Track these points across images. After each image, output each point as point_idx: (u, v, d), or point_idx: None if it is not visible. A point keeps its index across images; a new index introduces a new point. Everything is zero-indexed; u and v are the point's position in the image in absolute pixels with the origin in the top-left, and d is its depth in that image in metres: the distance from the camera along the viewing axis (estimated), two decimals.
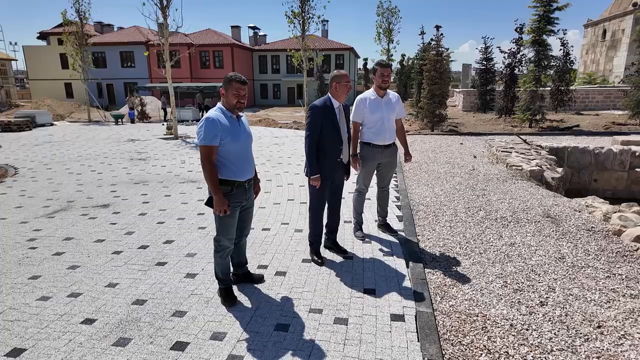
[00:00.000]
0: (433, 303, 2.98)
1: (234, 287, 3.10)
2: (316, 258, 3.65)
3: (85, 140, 13.19)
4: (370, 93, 3.94)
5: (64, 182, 7.02)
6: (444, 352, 2.43)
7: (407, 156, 4.22)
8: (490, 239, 4.24)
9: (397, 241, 4.15)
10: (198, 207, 5.39)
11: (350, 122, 3.90)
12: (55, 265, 3.60)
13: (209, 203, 2.74)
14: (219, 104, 2.79)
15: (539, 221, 4.76)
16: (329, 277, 3.35)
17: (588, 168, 10.04)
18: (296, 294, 3.07)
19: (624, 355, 2.42)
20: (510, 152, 8.70)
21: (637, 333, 2.64)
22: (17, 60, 40.90)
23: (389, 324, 2.69)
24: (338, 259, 3.76)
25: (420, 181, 6.77)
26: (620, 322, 2.75)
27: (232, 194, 2.77)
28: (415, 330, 2.61)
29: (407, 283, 3.26)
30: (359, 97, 3.97)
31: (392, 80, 4.03)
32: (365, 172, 4.08)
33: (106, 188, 6.53)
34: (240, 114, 2.90)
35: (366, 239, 4.19)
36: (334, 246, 3.88)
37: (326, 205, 3.68)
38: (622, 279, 3.37)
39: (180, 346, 2.44)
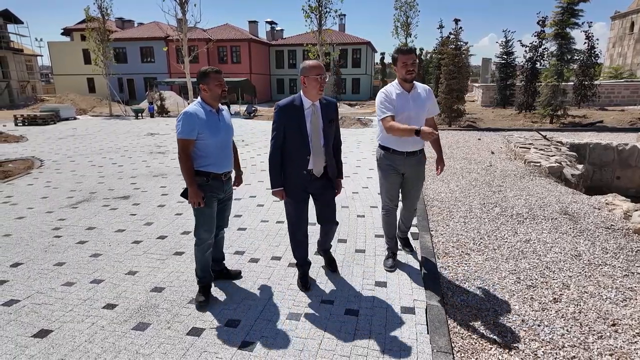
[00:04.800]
0: (444, 297, 2.99)
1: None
2: (300, 282, 3.11)
3: (106, 133, 13.56)
4: (393, 87, 3.14)
5: (86, 174, 7.27)
6: (453, 345, 2.45)
7: (440, 163, 3.38)
8: (504, 235, 4.20)
9: (410, 236, 4.16)
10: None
11: (379, 122, 3.18)
12: (78, 253, 3.76)
13: (184, 194, 2.76)
14: (199, 98, 2.79)
15: (556, 218, 4.69)
16: (341, 270, 3.40)
17: (611, 165, 9.77)
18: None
19: (637, 354, 2.39)
20: (529, 148, 8.54)
21: None
22: (42, 55, 42.09)
23: (400, 316, 2.73)
24: (351, 249, 3.81)
25: (435, 177, 6.73)
26: (636, 321, 2.71)
27: (208, 185, 2.78)
28: (425, 323, 2.64)
29: (418, 277, 3.28)
30: (381, 90, 3.21)
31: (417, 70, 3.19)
32: (387, 185, 3.33)
33: (126, 180, 6.73)
34: (222, 107, 2.88)
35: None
36: (324, 256, 3.43)
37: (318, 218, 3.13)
38: None
39: (196, 332, 2.54)
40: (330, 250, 3.47)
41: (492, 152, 9.04)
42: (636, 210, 4.78)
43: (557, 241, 4.03)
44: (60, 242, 4.03)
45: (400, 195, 3.46)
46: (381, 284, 3.15)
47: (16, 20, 35.48)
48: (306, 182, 2.84)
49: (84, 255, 3.72)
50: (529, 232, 4.28)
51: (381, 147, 3.29)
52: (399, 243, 3.76)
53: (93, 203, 5.43)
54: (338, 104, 3.04)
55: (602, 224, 4.50)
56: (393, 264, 3.47)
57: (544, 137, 10.33)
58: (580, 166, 7.66)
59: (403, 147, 3.18)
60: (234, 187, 3.13)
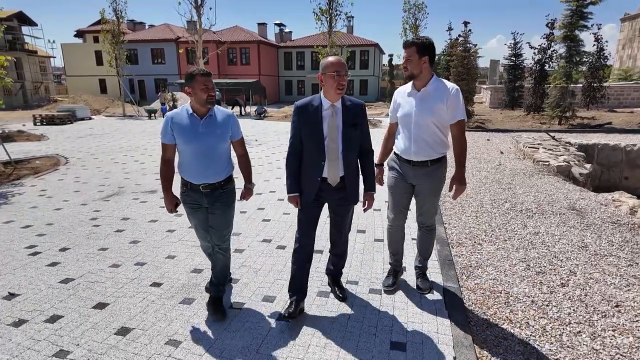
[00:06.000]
0: (459, 280, 3.25)
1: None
2: (289, 308, 2.65)
3: (122, 133, 13.95)
4: (408, 85, 2.83)
5: (111, 170, 7.62)
6: (469, 320, 2.71)
7: (455, 182, 2.79)
8: (514, 228, 4.44)
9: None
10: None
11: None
12: (118, 240, 4.08)
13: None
14: (188, 102, 2.61)
15: (563, 213, 4.91)
16: (362, 256, 3.68)
17: (619, 165, 9.92)
18: None
19: (638, 330, 2.62)
20: (538, 148, 8.74)
21: None
22: (55, 57, 42.96)
23: (419, 295, 2.99)
24: (370, 238, 4.07)
25: (447, 175, 6.96)
26: (638, 303, 2.94)
27: (186, 195, 2.67)
28: (443, 301, 2.90)
29: (435, 263, 3.53)
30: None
31: (427, 64, 2.65)
32: (391, 193, 3.00)
33: (151, 176, 7.06)
34: (220, 110, 2.67)
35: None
36: (333, 285, 3.02)
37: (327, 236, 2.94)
38: None
39: (237, 305, 2.84)
40: (343, 275, 3.09)
41: (501, 152, 9.24)
42: None
43: (565, 234, 4.26)
44: (99, 231, 4.35)
45: (414, 209, 3.03)
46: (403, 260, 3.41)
47: (30, 23, 36.25)
48: (321, 191, 2.60)
49: (124, 241, 4.03)
50: (537, 225, 4.51)
51: (394, 151, 2.99)
52: (412, 272, 3.31)
53: (123, 197, 5.75)
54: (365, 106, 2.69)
55: (608, 219, 4.72)
56: (393, 282, 3.08)
57: (553, 137, 10.51)
58: (588, 165, 7.85)
59: (406, 155, 2.80)
60: (243, 199, 2.88)
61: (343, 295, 2.92)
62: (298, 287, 2.71)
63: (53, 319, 2.68)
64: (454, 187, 2.78)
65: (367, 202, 2.70)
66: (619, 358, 2.36)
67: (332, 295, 3.00)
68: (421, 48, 2.60)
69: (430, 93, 2.67)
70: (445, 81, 2.73)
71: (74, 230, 4.36)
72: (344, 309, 2.82)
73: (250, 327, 2.60)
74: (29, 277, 3.27)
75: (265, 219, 4.73)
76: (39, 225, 4.54)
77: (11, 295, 2.96)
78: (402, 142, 2.82)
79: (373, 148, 2.76)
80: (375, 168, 2.90)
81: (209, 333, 2.54)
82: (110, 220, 4.71)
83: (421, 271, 3.16)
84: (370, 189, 2.70)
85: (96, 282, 3.19)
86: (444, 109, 2.65)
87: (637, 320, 2.74)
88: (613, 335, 2.57)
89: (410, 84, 2.78)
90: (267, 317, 2.71)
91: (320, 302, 2.89)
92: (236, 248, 3.81)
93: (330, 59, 2.46)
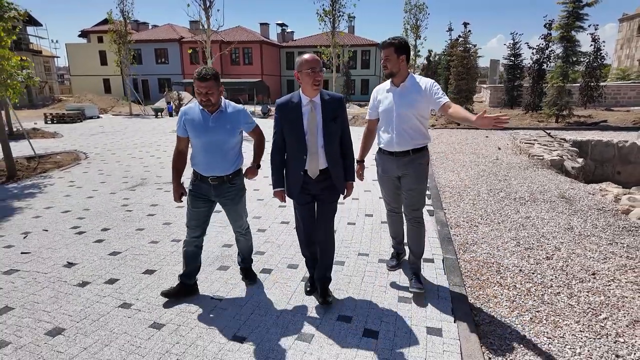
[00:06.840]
0: (457, 254, 3.71)
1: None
2: (306, 285, 3.02)
3: (133, 131, 14.43)
4: (386, 83, 3.01)
5: (131, 164, 8.09)
6: (464, 283, 3.17)
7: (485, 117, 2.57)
8: (508, 213, 4.89)
9: (426, 212, 4.86)
10: (253, 184, 6.26)
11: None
12: (152, 222, 4.54)
13: None
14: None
15: (554, 201, 5.36)
16: (371, 234, 4.14)
17: (611, 161, 10.38)
18: (346, 243, 3.89)
19: (609, 292, 3.08)
20: (533, 144, 9.20)
21: (625, 279, 3.29)
22: (59, 57, 43.46)
23: (422, 264, 3.45)
24: (377, 220, 4.53)
25: (446, 168, 7.43)
26: (612, 272, 3.40)
27: (196, 184, 2.81)
28: (442, 268, 3.37)
29: (435, 241, 3.99)
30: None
31: (404, 62, 2.84)
32: (381, 187, 3.23)
33: (169, 170, 7.48)
34: (231, 105, 2.75)
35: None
36: (319, 288, 2.89)
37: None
38: (623, 246, 3.97)
39: (266, 270, 3.32)
40: (331, 285, 3.00)
41: (499, 148, 9.69)
42: (625, 195, 5.45)
43: (554, 218, 4.71)
44: (133, 215, 4.82)
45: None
46: (405, 244, 3.87)
47: (35, 23, 36.71)
48: (306, 183, 2.68)
49: (157, 223, 4.50)
50: (529, 211, 4.97)
51: (378, 147, 3.11)
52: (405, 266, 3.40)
53: (147, 187, 6.22)
54: (345, 99, 2.79)
55: (594, 206, 5.17)
56: (396, 263, 3.38)
57: (549, 134, 10.96)
58: (580, 160, 8.30)
59: (388, 147, 2.95)
60: (246, 178, 2.92)
61: (326, 301, 2.79)
62: (313, 265, 2.97)
63: (111, 281, 3.15)
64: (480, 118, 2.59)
65: (347, 190, 2.84)
66: (589, 311, 2.82)
67: (347, 262, 3.46)
68: (398, 48, 2.77)
69: (408, 88, 2.86)
70: (420, 77, 2.93)
71: (109, 215, 4.83)
72: (358, 273, 3.28)
73: (279, 286, 3.07)
74: (80, 250, 3.74)
75: (281, 205, 5.19)
76: (77, 210, 5.01)
77: (70, 264, 3.43)
78: (384, 135, 2.96)
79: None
80: (356, 164, 3.04)
81: (246, 291, 3.01)
82: (140, 206, 5.18)
83: (414, 272, 3.09)
84: (349, 179, 2.83)
85: (140, 254, 3.66)
86: (423, 101, 2.82)
87: (609, 285, 3.19)
88: (587, 295, 3.03)
89: (388, 81, 2.97)
90: (293, 279, 3.18)
91: (336, 268, 3.35)
92: (258, 228, 4.27)
93: (305, 56, 2.55)
